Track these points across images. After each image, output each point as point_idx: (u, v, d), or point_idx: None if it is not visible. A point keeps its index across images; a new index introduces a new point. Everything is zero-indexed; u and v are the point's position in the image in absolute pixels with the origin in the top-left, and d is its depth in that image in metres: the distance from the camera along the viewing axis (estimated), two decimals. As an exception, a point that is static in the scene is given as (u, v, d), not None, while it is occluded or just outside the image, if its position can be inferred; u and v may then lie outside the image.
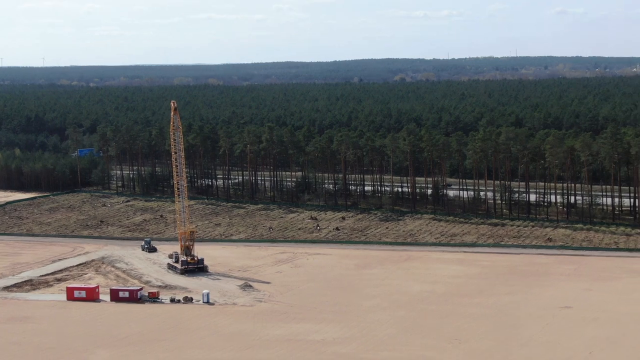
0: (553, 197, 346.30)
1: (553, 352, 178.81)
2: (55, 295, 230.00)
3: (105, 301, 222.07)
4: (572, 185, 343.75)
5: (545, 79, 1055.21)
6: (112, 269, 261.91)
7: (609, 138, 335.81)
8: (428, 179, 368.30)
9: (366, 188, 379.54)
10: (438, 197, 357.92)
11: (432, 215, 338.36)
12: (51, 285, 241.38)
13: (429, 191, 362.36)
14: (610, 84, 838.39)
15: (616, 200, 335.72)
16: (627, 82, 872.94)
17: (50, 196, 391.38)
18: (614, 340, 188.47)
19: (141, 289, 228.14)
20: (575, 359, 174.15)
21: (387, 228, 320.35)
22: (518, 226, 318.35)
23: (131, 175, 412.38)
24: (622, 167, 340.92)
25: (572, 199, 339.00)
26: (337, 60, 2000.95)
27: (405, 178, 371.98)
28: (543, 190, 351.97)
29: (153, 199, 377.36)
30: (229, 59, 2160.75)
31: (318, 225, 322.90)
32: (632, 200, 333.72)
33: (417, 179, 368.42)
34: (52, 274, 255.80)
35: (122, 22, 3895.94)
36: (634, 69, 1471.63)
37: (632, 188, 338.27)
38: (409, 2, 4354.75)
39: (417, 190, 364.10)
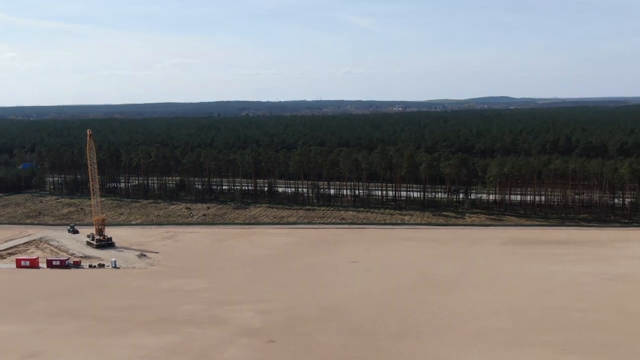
0: (344, 191, 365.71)
1: (345, 290, 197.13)
2: (8, 264, 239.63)
3: (43, 268, 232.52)
4: (357, 183, 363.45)
5: (339, 115, 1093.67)
6: (48, 245, 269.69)
7: (379, 153, 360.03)
8: (265, 180, 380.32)
9: (224, 187, 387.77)
10: (272, 192, 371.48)
11: (267, 205, 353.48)
12: (4, 258, 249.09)
13: (265, 188, 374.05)
14: (380, 118, 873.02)
15: (384, 192, 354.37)
16: (391, 116, 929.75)
17: (3, 196, 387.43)
18: (384, 281, 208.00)
19: (68, 259, 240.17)
20: (358, 294, 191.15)
21: (238, 214, 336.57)
22: (323, 210, 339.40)
23: (60, 181, 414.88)
24: (387, 171, 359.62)
25: (357, 192, 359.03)
26: (203, 101, 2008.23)
27: (249, 180, 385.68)
28: (338, 187, 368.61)
29: (75, 197, 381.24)
30: (128, 101, 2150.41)
31: (191, 213, 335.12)
32: (394, 192, 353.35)
33: (258, 180, 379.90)
34: (5, 250, 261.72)
35: (50, 75, 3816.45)
36: (394, 108, 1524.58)
37: (394, 185, 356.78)
38: (250, 63, 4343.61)
39: (258, 188, 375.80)
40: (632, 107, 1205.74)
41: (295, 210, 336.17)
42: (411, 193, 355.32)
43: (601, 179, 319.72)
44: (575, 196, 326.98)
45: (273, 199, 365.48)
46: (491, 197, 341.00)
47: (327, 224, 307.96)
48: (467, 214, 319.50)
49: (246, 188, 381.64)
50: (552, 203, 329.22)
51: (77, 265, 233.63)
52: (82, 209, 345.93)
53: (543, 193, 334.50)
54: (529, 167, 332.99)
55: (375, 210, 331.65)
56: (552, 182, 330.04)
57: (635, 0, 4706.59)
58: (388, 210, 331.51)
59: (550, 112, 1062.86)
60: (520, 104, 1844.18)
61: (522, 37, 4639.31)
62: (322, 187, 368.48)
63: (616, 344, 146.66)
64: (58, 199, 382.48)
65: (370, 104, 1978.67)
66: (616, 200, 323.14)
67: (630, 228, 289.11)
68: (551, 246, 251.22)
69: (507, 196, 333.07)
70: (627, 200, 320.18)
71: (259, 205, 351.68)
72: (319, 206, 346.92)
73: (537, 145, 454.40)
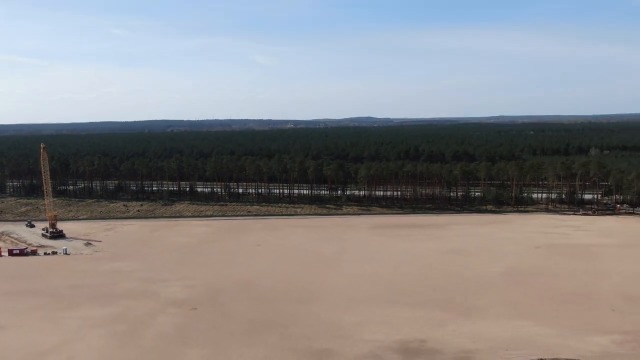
0: (250, 189, 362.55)
1: (253, 267, 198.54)
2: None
3: (5, 256, 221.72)
4: (259, 183, 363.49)
5: (244, 131, 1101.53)
6: (9, 238, 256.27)
7: (276, 160, 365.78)
8: (187, 182, 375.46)
9: (154, 188, 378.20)
10: (192, 192, 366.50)
11: (189, 202, 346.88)
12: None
13: (187, 189, 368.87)
14: (276, 133, 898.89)
15: (281, 190, 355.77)
16: (285, 132, 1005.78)
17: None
18: (282, 259, 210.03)
19: (26, 248, 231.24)
20: (262, 270, 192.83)
21: (165, 209, 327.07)
22: (233, 205, 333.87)
23: (18, 185, 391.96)
24: (283, 174, 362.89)
25: (259, 190, 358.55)
26: (136, 120, 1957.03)
27: (174, 182, 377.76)
28: (245, 187, 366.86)
29: (32, 197, 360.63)
30: (75, 120, 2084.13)
31: (127, 209, 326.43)
32: (288, 190, 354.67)
33: (181, 182, 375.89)
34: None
35: (8, 98, 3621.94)
36: (288, 125, 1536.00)
37: (288, 184, 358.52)
38: (175, 88, 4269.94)
39: (181, 188, 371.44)
40: (462, 125, 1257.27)
41: (211, 206, 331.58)
42: (301, 191, 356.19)
43: (440, 178, 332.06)
44: (422, 191, 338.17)
45: (194, 197, 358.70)
46: (361, 192, 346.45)
47: (236, 216, 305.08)
48: (343, 206, 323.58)
49: (172, 189, 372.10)
50: (405, 196, 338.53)
51: (34, 253, 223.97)
52: (37, 207, 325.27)
53: (399, 189, 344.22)
54: (389, 170, 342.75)
55: (274, 205, 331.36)
56: (405, 181, 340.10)
57: (458, 46, 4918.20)
58: (284, 204, 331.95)
59: (403, 128, 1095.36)
60: (381, 123, 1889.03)
61: (381, 72, 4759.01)
62: (232, 187, 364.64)
63: (453, 298, 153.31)
64: (17, 199, 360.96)
65: (269, 122, 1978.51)
66: (452, 194, 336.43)
67: (461, 214, 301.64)
68: (406, 229, 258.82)
69: (373, 192, 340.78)
70: (459, 193, 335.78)
71: (183, 202, 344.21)
72: (230, 202, 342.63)
73: (394, 154, 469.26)
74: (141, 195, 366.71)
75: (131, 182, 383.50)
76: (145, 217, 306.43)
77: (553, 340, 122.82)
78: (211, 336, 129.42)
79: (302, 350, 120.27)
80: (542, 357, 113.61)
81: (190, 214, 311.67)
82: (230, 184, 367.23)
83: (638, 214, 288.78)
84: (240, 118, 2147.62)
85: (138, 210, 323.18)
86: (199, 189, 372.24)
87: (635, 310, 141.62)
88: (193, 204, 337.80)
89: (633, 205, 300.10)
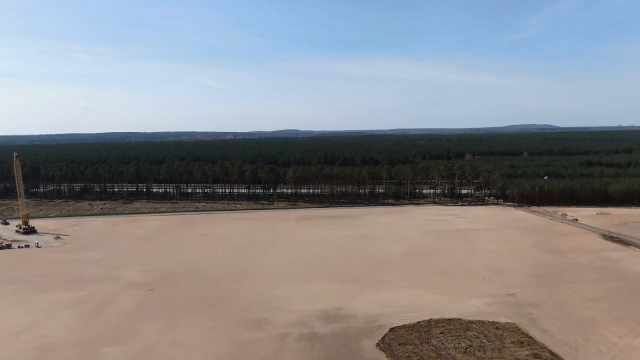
0: (198, 189, 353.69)
1: (200, 253, 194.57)
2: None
3: None
4: (205, 184, 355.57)
5: (193, 141, 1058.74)
6: None
7: (219, 165, 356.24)
8: (144, 184, 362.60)
9: (115, 189, 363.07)
10: (149, 192, 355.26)
11: (146, 200, 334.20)
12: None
13: (144, 189, 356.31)
14: (219, 143, 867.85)
15: (223, 190, 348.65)
16: (226, 142, 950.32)
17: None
18: (225, 246, 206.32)
19: (2, 242, 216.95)
20: (209, 255, 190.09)
21: (125, 207, 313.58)
22: (183, 203, 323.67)
23: None
24: (225, 176, 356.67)
25: (205, 190, 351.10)
26: (99, 132, 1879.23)
27: (133, 184, 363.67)
28: (193, 187, 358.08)
29: (6, 199, 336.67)
30: (45, 132, 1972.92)
31: (92, 207, 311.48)
32: (229, 190, 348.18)
33: (139, 184, 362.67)
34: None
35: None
36: (229, 137, 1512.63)
37: (229, 185, 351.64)
38: (135, 105, 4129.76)
39: (139, 189, 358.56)
40: (368, 136, 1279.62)
41: (165, 203, 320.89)
42: (240, 190, 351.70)
43: (352, 178, 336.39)
44: (338, 189, 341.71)
45: (150, 196, 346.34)
46: (289, 190, 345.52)
47: (186, 211, 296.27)
48: (275, 202, 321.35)
49: (131, 190, 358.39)
50: (325, 193, 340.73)
51: (8, 247, 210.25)
52: (11, 207, 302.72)
53: (320, 187, 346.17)
54: (311, 172, 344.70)
55: (218, 202, 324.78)
56: (324, 180, 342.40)
57: (365, 72, 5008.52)
58: (226, 201, 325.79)
59: (323, 139, 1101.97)
60: (304, 134, 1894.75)
61: (305, 92, 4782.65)
62: (182, 187, 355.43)
63: (363, 274, 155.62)
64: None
65: (213, 134, 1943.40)
66: (361, 191, 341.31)
67: (369, 207, 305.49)
68: (325, 220, 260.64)
69: (299, 190, 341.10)
70: (367, 190, 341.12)
71: (140, 201, 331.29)
72: (181, 200, 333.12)
73: (315, 159, 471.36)
74: (104, 196, 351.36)
75: (95, 184, 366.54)
76: (108, 214, 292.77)
77: (441, 304, 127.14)
78: (166, 311, 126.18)
79: (242, 320, 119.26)
80: (432, 317, 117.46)
81: (147, 211, 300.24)
82: (181, 185, 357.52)
83: (501, 204, 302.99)
84: (189, 130, 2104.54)
85: (101, 208, 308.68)
86: (154, 190, 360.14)
87: (499, 279, 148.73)
88: (149, 202, 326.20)
89: (497, 197, 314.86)
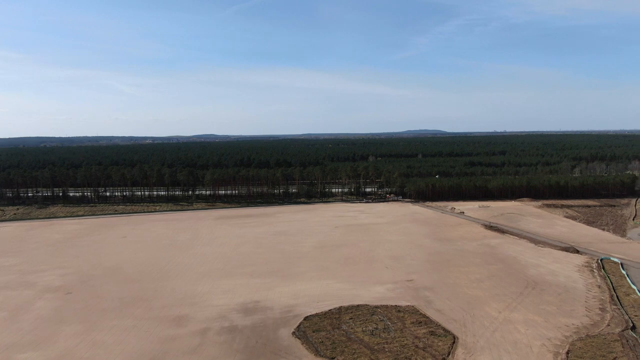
0: (116, 192, 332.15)
1: (120, 255, 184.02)
2: None
3: None
4: (124, 187, 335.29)
5: (111, 145, 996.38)
6: None
7: (138, 168, 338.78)
8: (60, 188, 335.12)
9: (29, 194, 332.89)
10: (66, 196, 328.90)
11: (62, 204, 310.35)
12: None
13: (61, 194, 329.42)
14: (138, 147, 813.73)
15: (143, 192, 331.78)
16: (145, 146, 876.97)
17: None
18: (145, 247, 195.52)
19: None
20: (129, 257, 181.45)
21: (40, 212, 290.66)
22: (102, 206, 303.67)
23: None
24: (144, 179, 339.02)
25: (124, 193, 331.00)
26: (12, 137, 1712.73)
27: (49, 188, 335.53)
28: (112, 190, 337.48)
29: None
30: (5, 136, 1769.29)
31: (4, 213, 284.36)
32: (149, 192, 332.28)
33: (55, 188, 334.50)
34: None
35: None
36: (147, 141, 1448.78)
37: (149, 187, 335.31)
38: (48, 110, 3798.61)
39: (55, 193, 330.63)
40: (281, 140, 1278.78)
41: (82, 207, 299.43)
42: (159, 192, 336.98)
43: (267, 179, 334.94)
44: (254, 189, 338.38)
45: (67, 200, 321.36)
46: (208, 192, 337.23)
47: (105, 214, 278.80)
48: (194, 203, 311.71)
49: (46, 194, 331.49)
50: (242, 194, 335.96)
51: None
52: None
53: (237, 189, 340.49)
54: (228, 174, 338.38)
55: (138, 204, 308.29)
56: (241, 182, 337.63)
57: (279, 82, 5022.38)
58: (145, 204, 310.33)
59: (239, 142, 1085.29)
60: (222, 138, 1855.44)
61: (222, 100, 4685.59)
62: (101, 191, 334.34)
63: (279, 268, 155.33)
64: None
65: (131, 138, 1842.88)
66: (275, 191, 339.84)
67: (283, 205, 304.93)
68: (242, 219, 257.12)
69: (217, 191, 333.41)
70: (281, 190, 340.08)
71: (56, 205, 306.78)
72: (99, 203, 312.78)
73: (232, 162, 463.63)
74: (17, 201, 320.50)
75: (7, 189, 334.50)
76: (22, 219, 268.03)
77: (349, 292, 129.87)
78: (85, 314, 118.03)
79: (163, 317, 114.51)
80: (342, 304, 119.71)
81: (63, 215, 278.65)
82: (99, 188, 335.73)
83: (400, 200, 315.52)
84: (107, 135, 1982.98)
85: (14, 214, 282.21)
86: (71, 194, 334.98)
87: (399, 267, 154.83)
88: (66, 206, 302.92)
89: (397, 194, 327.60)
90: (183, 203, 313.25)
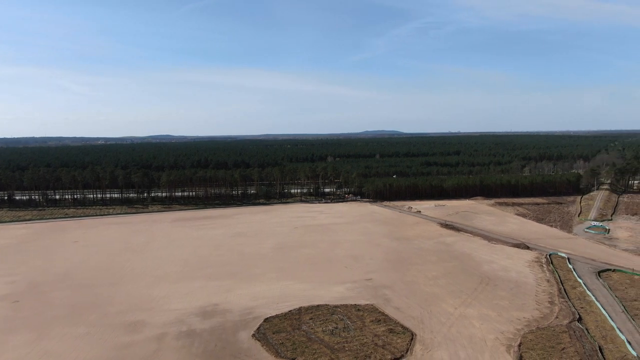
0: (67, 195, 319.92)
1: (71, 260, 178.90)
2: None
3: None
4: (75, 190, 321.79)
5: (60, 146, 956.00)
6: None
7: (90, 170, 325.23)
8: (4, 192, 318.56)
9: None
10: (11, 200, 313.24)
11: (8, 209, 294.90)
12: None
13: (5, 197, 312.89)
14: (89, 148, 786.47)
15: (95, 195, 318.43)
16: (96, 147, 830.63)
17: None
18: (98, 251, 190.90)
19: None
20: (80, 262, 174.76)
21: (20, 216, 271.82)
22: (51, 210, 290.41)
23: None
24: (96, 181, 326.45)
25: (75, 196, 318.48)
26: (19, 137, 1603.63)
27: (8, 191, 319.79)
28: (62, 193, 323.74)
29: None
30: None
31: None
32: (102, 195, 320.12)
33: (22, 191, 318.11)
34: None
35: None
36: (98, 142, 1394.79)
37: (101, 190, 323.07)
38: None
39: (21, 197, 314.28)
40: (239, 141, 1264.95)
41: (30, 211, 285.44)
42: (113, 195, 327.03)
43: (225, 180, 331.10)
44: (212, 191, 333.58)
45: (13, 204, 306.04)
46: (164, 194, 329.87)
47: (55, 218, 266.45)
48: (149, 205, 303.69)
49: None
50: (199, 195, 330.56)
51: None
52: None
53: (194, 190, 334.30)
54: (185, 175, 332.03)
55: (89, 207, 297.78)
56: (199, 183, 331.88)
57: (236, 83, 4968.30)
58: (98, 207, 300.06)
59: (196, 143, 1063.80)
60: (178, 139, 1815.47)
61: (176, 100, 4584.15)
62: (50, 194, 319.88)
63: (237, 270, 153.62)
64: None
65: (82, 139, 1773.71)
66: (234, 192, 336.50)
67: (242, 207, 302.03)
68: (200, 221, 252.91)
69: (173, 193, 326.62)
70: (239, 191, 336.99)
71: (2, 209, 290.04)
72: (48, 207, 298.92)
73: (189, 163, 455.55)
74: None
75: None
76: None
77: (309, 292, 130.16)
78: (34, 323, 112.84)
79: (118, 323, 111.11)
80: (302, 305, 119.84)
81: (9, 219, 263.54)
82: (48, 191, 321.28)
83: (359, 200, 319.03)
84: (56, 135, 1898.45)
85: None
86: (17, 197, 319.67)
87: (359, 266, 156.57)
88: (12, 211, 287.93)
89: (356, 194, 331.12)
90: (138, 205, 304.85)
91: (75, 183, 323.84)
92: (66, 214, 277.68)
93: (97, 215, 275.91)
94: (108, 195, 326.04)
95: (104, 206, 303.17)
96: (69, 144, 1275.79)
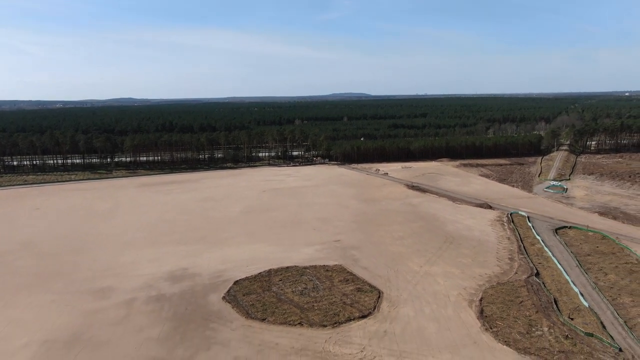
0: (25, 162, 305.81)
1: (33, 228, 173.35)
2: None
3: None
4: (34, 156, 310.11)
5: (15, 110, 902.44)
6: None
7: (49, 135, 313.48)
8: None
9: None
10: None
11: None
12: None
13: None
14: (47, 112, 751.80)
15: (55, 161, 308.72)
16: (55, 111, 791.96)
17: None
18: (61, 219, 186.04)
19: None
20: (42, 230, 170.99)
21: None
22: (9, 176, 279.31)
23: None
24: (57, 147, 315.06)
25: (34, 162, 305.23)
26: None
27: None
28: (20, 159, 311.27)
29: None
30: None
31: None
32: (62, 160, 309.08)
33: None
34: None
35: None
36: (57, 106, 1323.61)
37: (62, 155, 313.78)
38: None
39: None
40: (205, 104, 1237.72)
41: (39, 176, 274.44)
42: (74, 160, 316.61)
43: (191, 145, 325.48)
44: (178, 155, 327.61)
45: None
46: (128, 159, 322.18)
47: (13, 186, 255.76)
48: (113, 171, 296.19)
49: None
50: (165, 160, 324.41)
51: None
52: None
53: (159, 155, 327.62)
54: (150, 140, 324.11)
55: (50, 174, 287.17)
56: (164, 148, 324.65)
57: (201, 44, 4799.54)
58: (59, 173, 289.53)
59: (160, 107, 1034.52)
60: (141, 102, 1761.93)
61: (140, 61, 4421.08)
62: (6, 160, 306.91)
63: (206, 234, 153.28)
64: None
65: (39, 103, 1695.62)
66: (200, 156, 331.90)
67: (209, 171, 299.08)
68: (166, 185, 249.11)
69: (138, 158, 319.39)
70: (206, 155, 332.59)
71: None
72: (6, 174, 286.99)
73: (153, 127, 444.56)
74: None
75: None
76: None
77: (279, 255, 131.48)
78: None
79: (85, 290, 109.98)
80: (271, 267, 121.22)
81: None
82: (5, 158, 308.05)
83: (327, 163, 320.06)
84: (10, 99, 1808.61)
85: None
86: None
87: (327, 228, 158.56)
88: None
89: (324, 157, 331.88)
90: (101, 171, 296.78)
91: (34, 149, 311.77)
92: (25, 181, 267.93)
93: (58, 182, 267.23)
94: (69, 161, 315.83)
95: (66, 172, 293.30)
96: (24, 108, 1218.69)
